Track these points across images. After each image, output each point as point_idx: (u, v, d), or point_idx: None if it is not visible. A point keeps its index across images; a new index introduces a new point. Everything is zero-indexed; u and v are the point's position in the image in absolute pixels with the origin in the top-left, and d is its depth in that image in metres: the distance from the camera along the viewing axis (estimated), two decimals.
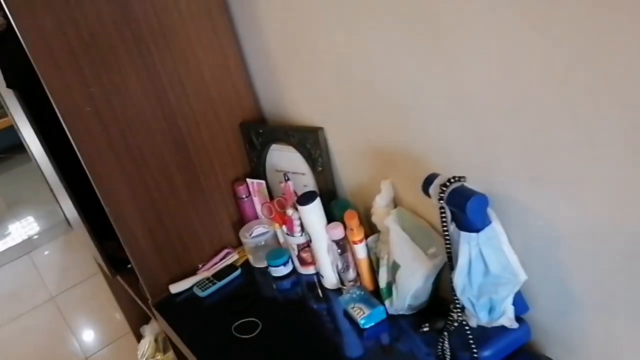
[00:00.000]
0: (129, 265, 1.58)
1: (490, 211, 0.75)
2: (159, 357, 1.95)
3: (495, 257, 0.75)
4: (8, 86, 1.33)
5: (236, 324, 1.13)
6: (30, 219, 3.62)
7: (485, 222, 0.75)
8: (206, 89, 1.24)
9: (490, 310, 0.79)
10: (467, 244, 0.74)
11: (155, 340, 1.99)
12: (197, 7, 1.19)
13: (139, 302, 1.49)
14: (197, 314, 1.21)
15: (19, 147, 4.56)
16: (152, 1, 1.12)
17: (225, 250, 1.35)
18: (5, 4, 0.98)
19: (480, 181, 0.79)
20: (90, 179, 1.15)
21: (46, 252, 3.14)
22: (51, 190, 3.21)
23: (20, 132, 2.95)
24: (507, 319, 0.83)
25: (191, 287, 1.28)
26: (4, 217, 3.79)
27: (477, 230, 0.74)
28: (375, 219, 1.06)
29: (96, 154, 1.13)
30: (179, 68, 1.19)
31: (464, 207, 0.71)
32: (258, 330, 1.10)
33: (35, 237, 3.34)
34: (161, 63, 1.16)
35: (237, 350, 1.06)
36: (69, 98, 1.07)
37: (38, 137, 1.40)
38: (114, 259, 1.63)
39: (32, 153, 2.96)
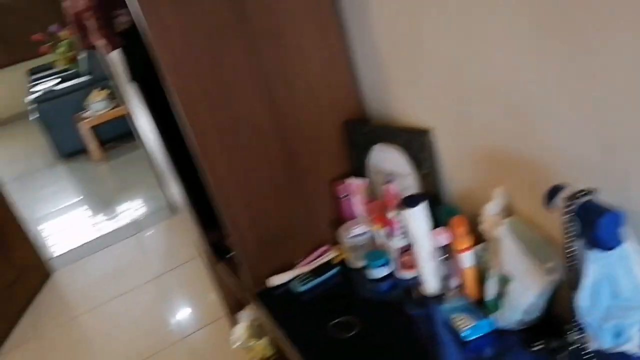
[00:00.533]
0: (229, 255, 1.65)
1: (624, 229, 0.69)
2: (252, 343, 2.01)
3: (627, 279, 0.69)
4: (131, 80, 1.41)
5: (333, 322, 1.13)
6: (137, 202, 3.87)
7: (618, 240, 0.68)
8: (312, 87, 1.25)
9: (617, 334, 0.73)
10: (595, 264, 0.68)
11: (250, 327, 2.05)
12: (306, 4, 1.20)
13: (238, 290, 1.54)
14: (295, 307, 1.23)
15: (129, 136, 4.92)
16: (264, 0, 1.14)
17: (324, 247, 1.36)
18: (131, 3, 1.04)
19: (613, 195, 0.73)
20: (202, 170, 1.19)
21: (150, 235, 3.34)
22: (156, 177, 3.41)
23: (133, 122, 3.16)
24: (634, 345, 0.76)
25: (289, 281, 1.30)
26: (114, 200, 4.08)
27: (608, 249, 0.68)
28: (484, 227, 1.01)
29: (208, 147, 1.17)
30: (287, 66, 1.20)
31: (595, 224, 0.65)
32: (355, 331, 1.09)
33: (141, 219, 3.56)
34: (270, 61, 1.18)
35: (334, 347, 1.07)
36: (186, 92, 1.12)
37: (155, 127, 1.48)
38: (216, 247, 1.70)
39: (143, 142, 3.16)
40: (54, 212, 4.17)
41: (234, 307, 2.15)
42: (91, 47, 1.59)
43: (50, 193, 4.55)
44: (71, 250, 3.44)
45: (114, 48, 1.33)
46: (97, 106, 4.67)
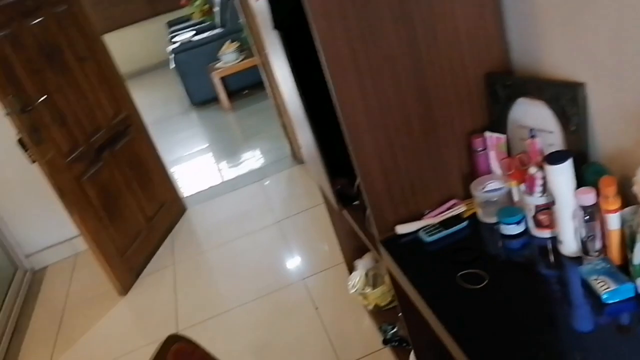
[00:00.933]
0: (355, 202, 1.70)
1: None
2: (367, 290, 2.09)
3: None
4: (274, 28, 1.47)
5: (461, 272, 1.14)
6: (262, 151, 4.07)
7: None
8: (456, 35, 1.22)
9: None
10: None
11: (366, 275, 2.12)
12: None
13: (362, 237, 1.59)
14: (421, 256, 1.25)
15: (257, 86, 5.13)
16: None
17: (453, 201, 1.35)
18: None
19: None
20: (339, 116, 1.23)
21: (273, 182, 3.51)
22: (283, 127, 3.55)
23: (264, 73, 3.28)
24: None
25: (416, 231, 1.32)
26: (241, 147, 4.33)
27: None
28: (636, 189, 0.95)
29: (347, 95, 1.20)
30: (433, 12, 1.18)
31: None
32: (484, 283, 1.09)
33: (265, 167, 3.75)
34: (417, 6, 1.17)
35: (462, 297, 1.08)
36: (332, 41, 1.15)
37: (292, 75, 1.54)
38: (342, 194, 1.75)
39: (272, 92, 3.28)
40: (186, 156, 4.52)
41: (353, 255, 2.23)
42: None
43: (183, 138, 4.92)
44: (200, 191, 3.73)
45: None
46: (228, 57, 4.91)
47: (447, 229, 1.28)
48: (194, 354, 1.07)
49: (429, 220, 1.32)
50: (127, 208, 2.95)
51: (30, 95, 2.44)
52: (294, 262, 2.65)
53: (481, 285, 1.09)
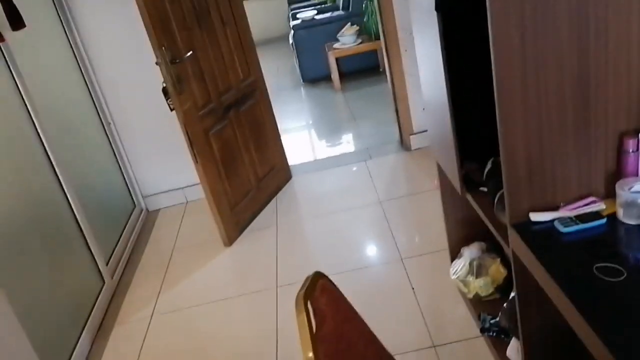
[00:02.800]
0: (482, 188, 1.75)
1: None
2: (470, 278, 2.12)
3: None
4: (436, 9, 1.54)
5: (598, 265, 1.16)
6: (368, 132, 4.15)
7: None
8: (628, 42, 1.23)
9: None
10: None
11: (470, 263, 2.16)
12: None
13: (486, 222, 1.64)
14: (554, 246, 1.28)
15: (369, 71, 5.22)
16: None
17: (592, 198, 1.37)
18: None
19: None
20: (496, 101, 1.28)
21: (378, 164, 3.59)
22: (396, 111, 3.61)
23: (387, 56, 3.35)
24: None
25: (550, 221, 1.35)
26: (347, 127, 4.44)
27: None
28: None
29: (509, 79, 1.24)
30: (609, 18, 1.20)
31: None
32: (623, 277, 1.11)
33: (371, 148, 3.84)
34: (594, 10, 1.19)
35: (599, 288, 1.10)
36: (504, 25, 1.19)
37: (443, 58, 1.60)
38: (467, 179, 1.80)
39: (390, 76, 3.33)
40: (293, 128, 4.70)
41: (458, 243, 2.27)
42: None
43: (292, 111, 5.11)
44: (305, 163, 3.88)
45: None
46: (346, 39, 5.02)
47: (584, 223, 1.30)
48: (334, 292, 1.17)
49: (565, 212, 1.35)
50: (242, 166, 3.15)
51: (180, 49, 2.66)
52: (393, 242, 2.72)
53: (620, 279, 1.11)
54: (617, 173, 1.35)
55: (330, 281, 1.19)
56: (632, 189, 1.26)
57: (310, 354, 0.92)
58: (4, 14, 2.28)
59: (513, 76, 1.25)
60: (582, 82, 1.26)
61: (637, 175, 1.32)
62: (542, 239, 1.32)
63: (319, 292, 1.11)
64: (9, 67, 2.31)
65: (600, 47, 1.23)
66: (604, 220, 1.30)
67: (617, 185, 1.29)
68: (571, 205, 1.37)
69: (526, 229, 1.37)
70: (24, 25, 2.35)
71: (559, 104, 1.28)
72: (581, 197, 1.38)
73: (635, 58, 1.25)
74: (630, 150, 1.31)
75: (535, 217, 1.37)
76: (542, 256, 1.26)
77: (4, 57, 2.29)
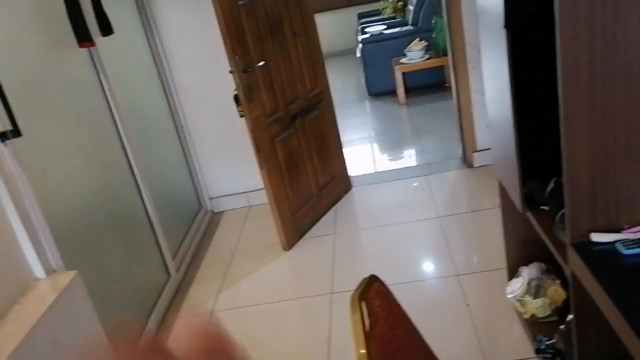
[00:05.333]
0: (543, 207, 1.74)
1: None
2: (527, 299, 2.09)
3: None
4: (505, 26, 1.56)
5: None
6: (432, 148, 4.15)
7: None
8: None
9: None
10: None
11: (529, 283, 2.13)
12: None
13: (546, 241, 1.62)
14: (615, 268, 1.27)
15: (435, 87, 5.23)
16: None
17: None
18: None
19: None
20: (561, 119, 1.29)
21: (439, 180, 3.58)
22: (460, 128, 3.60)
23: (454, 73, 3.36)
24: None
25: (613, 242, 1.33)
26: (410, 142, 4.45)
27: None
28: None
29: (575, 97, 1.25)
30: None
31: None
32: None
33: (433, 164, 3.83)
34: None
35: None
36: (573, 43, 1.21)
37: (510, 75, 1.61)
38: (529, 197, 1.79)
39: (457, 92, 3.34)
40: (356, 139, 4.76)
41: (517, 262, 2.24)
42: None
43: (356, 123, 5.17)
44: (365, 174, 3.93)
45: None
46: (414, 55, 5.05)
47: None
48: (388, 296, 1.21)
49: (627, 235, 1.33)
50: (305, 174, 3.24)
51: (253, 59, 2.79)
52: (450, 258, 2.71)
53: None
54: None
55: (385, 285, 1.23)
56: None
57: (363, 350, 0.97)
58: (95, 21, 2.48)
59: (579, 95, 1.25)
60: None
61: None
62: (602, 260, 1.30)
63: (374, 294, 1.16)
64: (97, 70, 2.51)
65: None
66: None
67: None
68: (635, 229, 1.35)
69: (586, 249, 1.36)
70: (112, 32, 2.55)
71: (626, 123, 1.27)
72: None
73: None
74: None
75: (596, 237, 1.35)
76: (602, 278, 1.25)
77: (93, 61, 2.49)
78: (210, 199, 3.76)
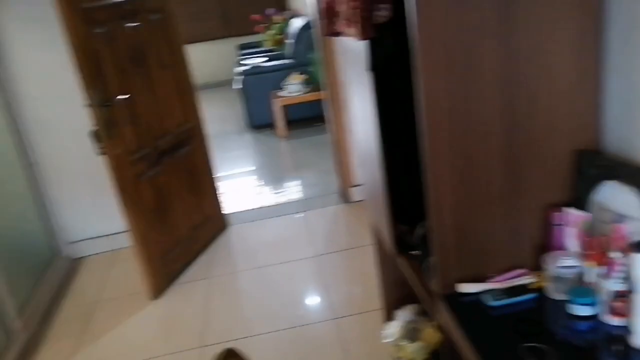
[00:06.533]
0: (413, 251, 1.70)
1: None
2: (403, 343, 2.05)
3: None
4: (368, 69, 1.51)
5: (525, 344, 1.11)
6: (310, 182, 4.10)
7: None
8: (552, 107, 1.23)
9: None
10: None
11: (405, 327, 2.09)
12: (570, 27, 1.18)
13: (416, 288, 1.58)
14: (482, 319, 1.23)
15: (315, 119, 5.24)
16: None
17: (521, 270, 1.33)
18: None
19: None
20: (423, 165, 1.24)
21: (317, 215, 3.52)
22: (338, 163, 3.58)
23: (331, 107, 3.34)
24: None
25: (479, 293, 1.30)
26: (289, 175, 4.38)
27: None
28: None
29: (436, 146, 1.22)
30: (533, 79, 1.20)
31: None
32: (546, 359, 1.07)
33: (311, 199, 3.77)
34: (519, 70, 1.19)
35: None
36: (433, 92, 1.17)
37: (376, 115, 1.56)
38: (400, 241, 1.75)
39: (334, 127, 3.33)
40: (234, 174, 4.60)
41: (393, 304, 2.20)
42: (333, 34, 1.74)
43: (234, 157, 5.01)
44: (244, 211, 3.77)
45: (364, 38, 1.43)
46: (293, 88, 5.03)
47: (512, 297, 1.26)
48: None
49: (493, 285, 1.31)
50: (175, 214, 3.01)
51: (112, 92, 2.55)
52: (327, 300, 2.63)
53: None
54: (545, 245, 1.33)
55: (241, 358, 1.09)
56: (559, 264, 1.23)
57: None
58: None
59: (441, 143, 1.22)
60: (510, 150, 1.25)
61: (563, 248, 1.30)
62: (470, 312, 1.27)
63: None
64: None
65: (529, 116, 1.23)
66: (532, 295, 1.26)
67: (544, 259, 1.27)
68: (500, 277, 1.33)
69: (455, 299, 1.32)
70: None
71: (487, 170, 1.26)
72: (511, 269, 1.35)
73: (561, 127, 1.25)
74: (558, 224, 1.29)
75: (463, 288, 1.32)
76: (469, 330, 1.20)
77: None
78: (70, 243, 3.37)
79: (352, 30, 1.49)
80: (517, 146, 1.25)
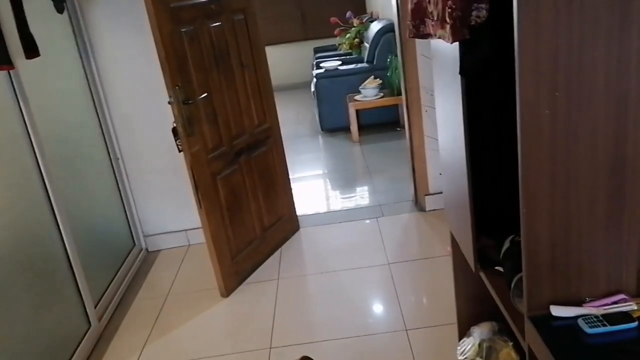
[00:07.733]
0: (497, 267, 1.60)
1: None
2: None
3: None
4: (461, 72, 1.43)
5: None
6: (383, 188, 4.02)
7: None
8: None
9: None
10: None
11: (480, 345, 1.98)
12: None
13: (500, 306, 1.48)
14: (577, 347, 1.12)
15: (388, 125, 5.18)
16: None
17: (622, 296, 1.21)
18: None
19: None
20: (520, 176, 1.15)
21: (390, 223, 3.44)
22: (412, 170, 3.49)
23: (407, 113, 3.26)
24: None
25: (573, 317, 1.19)
26: (361, 180, 4.32)
27: None
28: None
29: (535, 157, 1.12)
30: None
31: None
32: None
33: (384, 205, 3.70)
34: (636, 86, 1.08)
35: None
36: (534, 98, 1.08)
37: (466, 119, 1.48)
38: (483, 255, 1.65)
39: (409, 133, 3.25)
40: (306, 176, 4.60)
41: (468, 320, 2.09)
42: (421, 36, 1.67)
43: (306, 159, 5.02)
44: (315, 214, 3.75)
45: (458, 39, 1.36)
46: (368, 92, 4.98)
47: (611, 324, 1.14)
48: None
49: (590, 310, 1.19)
50: (248, 214, 3.03)
51: (194, 90, 2.60)
52: (397, 310, 2.55)
53: None
54: None
55: None
56: None
57: None
58: (19, 42, 2.24)
59: (540, 153, 1.12)
60: (618, 168, 1.13)
61: None
62: (563, 338, 1.16)
63: None
64: (16, 95, 2.26)
65: (637, 125, 1.11)
66: (635, 324, 1.14)
67: None
68: (598, 302, 1.21)
69: (546, 323, 1.21)
70: (38, 55, 2.31)
71: (590, 188, 1.15)
72: (610, 294, 1.23)
73: None
74: None
75: (556, 311, 1.21)
76: (562, 358, 1.10)
77: (12, 85, 2.24)
78: (146, 236, 3.49)
79: (444, 31, 1.41)
80: (626, 162, 1.13)
